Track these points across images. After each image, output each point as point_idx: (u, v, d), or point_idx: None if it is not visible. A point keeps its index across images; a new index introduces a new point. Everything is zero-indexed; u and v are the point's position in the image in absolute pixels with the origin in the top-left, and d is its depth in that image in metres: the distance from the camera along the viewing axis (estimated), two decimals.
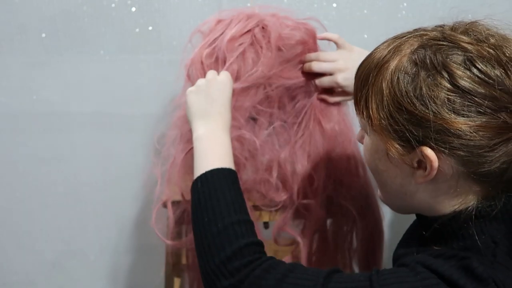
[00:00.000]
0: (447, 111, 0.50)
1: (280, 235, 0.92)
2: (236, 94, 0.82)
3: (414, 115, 0.51)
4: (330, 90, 0.88)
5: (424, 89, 0.50)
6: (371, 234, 0.93)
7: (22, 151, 1.15)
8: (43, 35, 1.08)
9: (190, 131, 0.76)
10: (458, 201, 0.55)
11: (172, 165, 0.87)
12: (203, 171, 0.66)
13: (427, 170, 0.53)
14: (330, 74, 0.85)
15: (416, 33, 0.55)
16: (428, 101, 0.50)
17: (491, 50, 0.50)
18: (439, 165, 0.52)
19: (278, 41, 0.83)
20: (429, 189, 0.56)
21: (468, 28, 0.53)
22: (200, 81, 0.76)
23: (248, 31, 0.83)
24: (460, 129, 0.49)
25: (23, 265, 1.23)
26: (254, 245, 0.60)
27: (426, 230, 0.59)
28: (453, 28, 0.54)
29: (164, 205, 0.94)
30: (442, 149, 0.51)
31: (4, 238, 1.21)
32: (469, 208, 0.55)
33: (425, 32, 0.55)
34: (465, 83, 0.49)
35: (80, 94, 1.12)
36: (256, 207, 0.90)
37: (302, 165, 0.87)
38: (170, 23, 1.09)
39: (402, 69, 0.52)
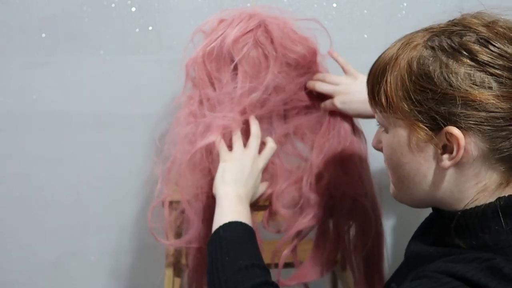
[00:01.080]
0: (469, 84, 0.51)
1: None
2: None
3: (437, 93, 0.52)
4: None
5: (444, 67, 0.52)
6: (370, 232, 0.93)
7: (22, 151, 1.15)
8: (43, 35, 1.08)
9: (191, 132, 0.77)
10: (481, 191, 0.55)
11: (171, 165, 0.87)
12: (227, 221, 0.71)
13: (454, 151, 0.53)
14: (332, 97, 0.89)
15: (423, 29, 0.58)
16: (449, 77, 0.52)
17: (501, 30, 0.53)
18: (465, 145, 0.52)
19: (281, 44, 0.83)
20: (454, 177, 0.56)
21: (476, 15, 0.56)
22: (237, 151, 0.82)
23: (250, 30, 0.83)
24: (482, 100, 0.51)
25: (23, 265, 1.23)
26: (269, 285, 0.64)
27: (445, 225, 0.59)
28: (462, 16, 0.56)
29: (163, 205, 0.94)
30: (468, 124, 0.52)
31: (4, 238, 1.21)
32: (491, 201, 0.55)
33: (432, 26, 0.57)
34: (484, 57, 0.51)
35: (80, 94, 1.12)
36: (255, 208, 0.90)
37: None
38: (170, 23, 1.09)
39: (419, 55, 0.54)
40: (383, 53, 0.59)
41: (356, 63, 1.12)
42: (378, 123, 0.64)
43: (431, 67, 0.53)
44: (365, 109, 0.85)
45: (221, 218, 0.73)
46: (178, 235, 0.94)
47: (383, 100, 0.57)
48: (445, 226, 0.59)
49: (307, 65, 0.88)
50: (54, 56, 1.09)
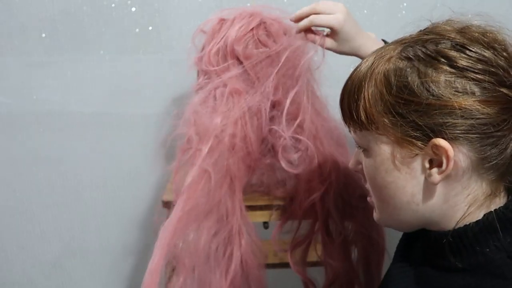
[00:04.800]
0: (451, 92, 0.49)
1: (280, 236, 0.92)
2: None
3: (418, 104, 0.50)
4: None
5: (423, 77, 0.50)
6: (371, 236, 0.93)
7: (22, 151, 1.15)
8: (43, 35, 1.08)
9: (195, 133, 0.77)
10: (472, 203, 0.54)
11: (176, 165, 0.87)
12: None
13: (443, 164, 0.51)
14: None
15: (393, 42, 0.56)
16: (430, 86, 0.50)
17: (476, 35, 0.51)
18: (454, 156, 0.50)
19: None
20: (443, 192, 0.54)
21: (448, 22, 0.55)
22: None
23: (251, 29, 0.83)
24: (467, 107, 0.49)
25: (23, 265, 1.23)
26: None
27: (431, 245, 0.57)
28: (432, 25, 0.56)
29: (165, 206, 0.94)
30: (454, 134, 0.50)
31: (4, 238, 1.21)
32: (482, 218, 0.53)
33: (403, 38, 0.56)
34: (463, 62, 0.50)
35: (80, 94, 1.12)
36: (254, 207, 0.90)
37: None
38: (170, 23, 1.09)
39: (395, 67, 0.53)
40: (355, 70, 0.57)
41: (356, 63, 1.12)
42: (356, 145, 0.60)
43: (409, 78, 0.51)
44: (357, 43, 0.82)
45: None
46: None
47: (363, 117, 0.54)
48: (433, 248, 0.57)
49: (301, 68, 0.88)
50: (54, 56, 1.09)
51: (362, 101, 0.54)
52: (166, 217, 0.92)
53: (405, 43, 0.54)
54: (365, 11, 1.11)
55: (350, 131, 0.60)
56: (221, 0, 1.08)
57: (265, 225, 0.99)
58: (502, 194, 0.55)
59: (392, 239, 1.01)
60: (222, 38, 0.83)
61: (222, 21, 0.86)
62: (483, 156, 0.51)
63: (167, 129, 1.14)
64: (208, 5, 1.08)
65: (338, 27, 0.81)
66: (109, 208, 1.19)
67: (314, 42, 0.85)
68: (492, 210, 0.53)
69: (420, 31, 0.56)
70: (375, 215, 0.61)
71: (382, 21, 1.12)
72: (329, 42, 0.84)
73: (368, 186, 0.60)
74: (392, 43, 0.56)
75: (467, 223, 0.53)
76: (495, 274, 0.51)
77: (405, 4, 1.11)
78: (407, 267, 0.61)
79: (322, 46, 0.84)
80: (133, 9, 1.08)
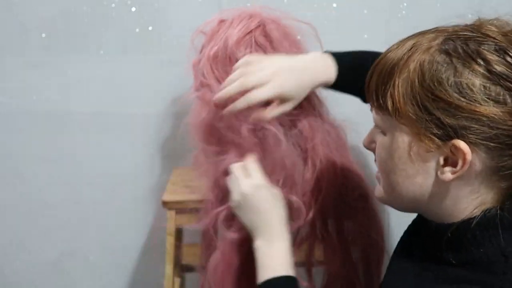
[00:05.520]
0: (484, 98, 0.49)
1: None
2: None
3: (448, 103, 0.50)
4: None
5: (459, 77, 0.49)
6: (371, 232, 0.93)
7: (22, 151, 1.15)
8: (43, 35, 1.08)
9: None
10: (474, 206, 0.53)
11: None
12: (265, 279, 0.71)
13: (458, 165, 0.51)
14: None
15: (435, 30, 0.55)
16: (464, 88, 0.49)
17: None
18: (471, 160, 0.50)
19: (281, 45, 0.83)
20: (452, 191, 0.54)
21: (495, 22, 0.53)
22: (237, 196, 0.77)
23: (250, 31, 0.83)
24: (495, 116, 0.48)
25: (23, 265, 1.23)
26: None
27: (432, 237, 0.57)
28: (479, 21, 0.54)
29: (165, 206, 0.94)
30: (476, 140, 0.49)
31: (4, 238, 1.21)
32: (479, 216, 0.53)
33: (445, 28, 0.54)
34: (501, 69, 0.48)
35: (80, 94, 1.12)
36: None
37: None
38: (170, 23, 1.09)
39: (433, 59, 0.51)
40: (389, 52, 0.55)
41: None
42: (375, 125, 0.61)
43: (444, 75, 0.50)
44: (304, 83, 0.75)
45: (261, 275, 0.72)
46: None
47: (389, 103, 0.53)
48: (432, 239, 0.57)
49: None
50: (54, 56, 1.09)
51: (391, 87, 0.53)
52: (165, 217, 0.93)
53: (447, 35, 0.53)
54: (365, 11, 1.11)
55: (371, 110, 0.59)
56: (221, 0, 1.08)
57: None
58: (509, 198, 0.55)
59: (392, 239, 1.01)
60: (221, 39, 0.83)
61: (221, 22, 0.86)
62: (499, 165, 0.51)
63: (167, 129, 1.14)
64: (208, 5, 1.08)
65: (279, 95, 0.73)
66: (109, 208, 1.19)
67: (262, 120, 0.76)
68: (492, 208, 0.53)
69: (466, 25, 0.54)
70: (378, 192, 0.62)
71: (382, 21, 1.12)
72: (278, 110, 0.75)
73: (377, 165, 0.60)
74: (432, 31, 0.54)
75: (467, 218, 0.54)
76: (486, 269, 0.51)
77: (405, 4, 1.11)
78: (408, 262, 0.62)
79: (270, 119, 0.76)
80: (133, 9, 1.08)
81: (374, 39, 1.12)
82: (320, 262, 0.93)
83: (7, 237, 1.21)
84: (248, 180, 0.77)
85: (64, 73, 1.11)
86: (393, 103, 0.53)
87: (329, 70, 0.77)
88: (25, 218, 1.19)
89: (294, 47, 0.86)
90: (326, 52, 0.79)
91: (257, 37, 0.83)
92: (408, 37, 0.56)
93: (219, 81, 0.83)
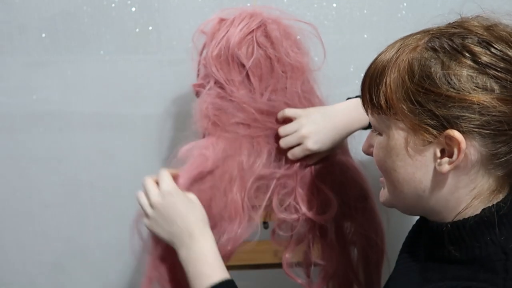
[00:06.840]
0: (472, 86, 0.51)
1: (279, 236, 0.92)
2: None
3: (438, 95, 0.51)
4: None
5: (446, 69, 0.51)
6: (370, 233, 0.93)
7: (22, 151, 1.15)
8: (43, 35, 1.08)
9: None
10: (475, 197, 0.55)
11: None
12: None
13: (454, 155, 0.52)
14: (298, 144, 0.84)
15: (421, 32, 0.57)
16: (452, 79, 0.51)
17: (502, 33, 0.52)
18: (465, 149, 0.52)
19: (281, 46, 0.83)
20: (450, 182, 0.55)
21: (476, 18, 0.55)
22: (148, 210, 0.78)
23: (251, 31, 0.83)
24: (485, 103, 0.50)
25: (23, 265, 1.23)
26: None
27: (433, 237, 0.59)
28: (461, 19, 0.56)
29: None
30: (469, 128, 0.51)
31: (4, 238, 1.21)
32: (480, 212, 0.54)
33: (430, 28, 0.57)
34: (486, 59, 0.51)
35: (80, 94, 1.12)
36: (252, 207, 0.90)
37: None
38: (170, 23, 1.09)
39: (420, 56, 0.54)
40: (380, 55, 0.58)
41: (356, 63, 1.12)
42: (372, 128, 0.63)
43: (432, 69, 0.52)
44: (340, 135, 0.84)
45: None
46: None
47: (382, 101, 0.56)
48: (433, 238, 0.59)
49: (301, 69, 0.87)
50: (54, 56, 1.09)
51: (383, 86, 0.56)
52: None
53: (432, 34, 0.55)
54: (365, 11, 1.11)
55: (367, 114, 0.61)
56: (221, 0, 1.08)
57: (265, 225, 0.99)
58: (506, 190, 0.56)
59: (392, 239, 1.01)
60: (222, 38, 0.83)
61: (221, 21, 0.86)
62: (493, 152, 0.52)
63: (167, 129, 1.14)
64: (208, 5, 1.08)
65: (314, 151, 0.83)
66: (109, 208, 1.19)
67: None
68: (490, 205, 0.55)
69: (449, 24, 0.56)
70: (383, 195, 0.63)
71: (382, 21, 1.12)
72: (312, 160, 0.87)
73: (377, 166, 0.62)
74: (418, 32, 0.57)
75: (466, 216, 0.55)
76: (488, 268, 0.52)
77: (405, 4, 1.11)
78: (413, 261, 0.63)
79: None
80: (133, 9, 1.08)
81: (374, 39, 1.12)
82: (319, 262, 0.94)
83: (7, 237, 1.21)
84: (156, 189, 0.78)
85: (64, 73, 1.11)
86: (386, 101, 0.56)
87: (364, 117, 0.82)
88: (25, 218, 1.20)
89: (294, 47, 0.86)
90: (358, 97, 0.85)
91: (258, 38, 0.83)
92: (396, 40, 0.58)
93: (224, 81, 0.84)
